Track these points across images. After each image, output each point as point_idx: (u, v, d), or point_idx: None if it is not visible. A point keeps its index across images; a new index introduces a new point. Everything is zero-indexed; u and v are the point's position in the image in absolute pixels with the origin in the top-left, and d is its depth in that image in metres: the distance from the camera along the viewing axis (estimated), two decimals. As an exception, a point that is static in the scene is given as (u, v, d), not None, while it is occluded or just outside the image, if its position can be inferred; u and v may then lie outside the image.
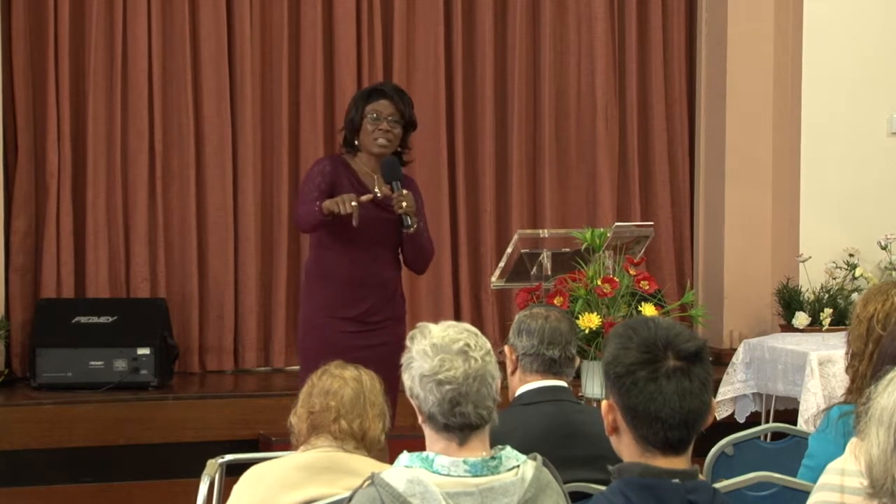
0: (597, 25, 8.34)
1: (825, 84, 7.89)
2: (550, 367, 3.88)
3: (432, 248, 5.66)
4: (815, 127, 7.90)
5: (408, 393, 2.93)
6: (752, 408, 7.10)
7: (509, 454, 2.92)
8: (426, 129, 7.72)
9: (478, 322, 7.89)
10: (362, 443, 3.65)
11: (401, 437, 4.19)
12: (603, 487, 2.88)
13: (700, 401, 2.49)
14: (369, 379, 3.74)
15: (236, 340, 7.84)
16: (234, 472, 4.00)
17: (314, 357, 4.74)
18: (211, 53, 7.77)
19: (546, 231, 5.98)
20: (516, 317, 4.00)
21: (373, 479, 2.84)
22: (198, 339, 7.76)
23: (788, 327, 7.65)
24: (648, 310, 4.94)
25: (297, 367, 6.33)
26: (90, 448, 6.69)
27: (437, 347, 2.88)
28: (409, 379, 2.91)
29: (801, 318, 7.58)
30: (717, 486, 3.27)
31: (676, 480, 2.48)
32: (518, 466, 2.91)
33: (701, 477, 2.54)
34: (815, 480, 3.19)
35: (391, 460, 2.98)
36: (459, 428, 2.87)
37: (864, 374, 3.57)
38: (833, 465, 3.11)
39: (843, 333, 4.04)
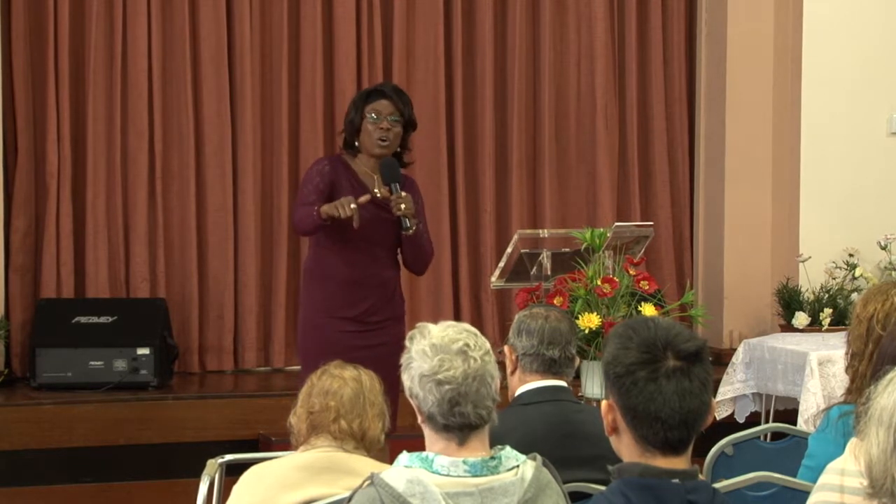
0: (597, 25, 8.34)
1: (825, 84, 7.89)
2: (550, 367, 3.88)
3: (432, 250, 5.66)
4: (815, 127, 7.90)
5: (407, 393, 2.93)
6: (752, 408, 7.09)
7: (509, 454, 2.92)
8: (426, 129, 7.73)
9: (478, 322, 7.89)
10: (362, 443, 3.65)
11: (401, 438, 4.19)
12: (603, 487, 2.88)
13: (700, 401, 2.49)
14: (369, 379, 3.74)
15: (236, 340, 7.84)
16: (234, 472, 4.00)
17: (314, 357, 4.73)
18: (211, 53, 7.77)
19: (546, 231, 5.98)
20: (516, 317, 4.00)
21: (372, 480, 2.84)
22: (197, 339, 7.76)
23: (788, 327, 7.65)
24: (648, 310, 4.94)
25: (296, 367, 6.34)
26: (90, 448, 6.70)
27: (436, 347, 2.88)
28: (408, 379, 2.91)
29: (800, 318, 7.58)
30: (716, 486, 3.27)
31: (676, 480, 2.48)
32: (518, 466, 2.91)
33: (701, 477, 2.53)
34: (814, 480, 3.19)
35: (391, 460, 2.98)
36: (459, 428, 2.87)
37: (863, 374, 3.57)
38: (833, 465, 3.10)
39: (842, 333, 4.04)
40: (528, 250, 5.44)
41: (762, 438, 4.66)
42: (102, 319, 7.23)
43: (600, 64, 8.34)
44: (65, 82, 7.52)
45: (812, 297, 7.69)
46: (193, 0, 7.75)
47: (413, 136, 5.60)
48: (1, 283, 7.37)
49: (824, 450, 3.50)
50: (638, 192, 8.45)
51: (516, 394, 3.90)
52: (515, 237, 5.48)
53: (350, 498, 2.89)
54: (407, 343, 2.94)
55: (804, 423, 6.22)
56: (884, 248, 7.75)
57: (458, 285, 8.17)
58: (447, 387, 2.86)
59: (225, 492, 4.14)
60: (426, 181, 7.58)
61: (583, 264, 5.12)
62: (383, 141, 5.40)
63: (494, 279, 5.53)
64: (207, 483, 4.36)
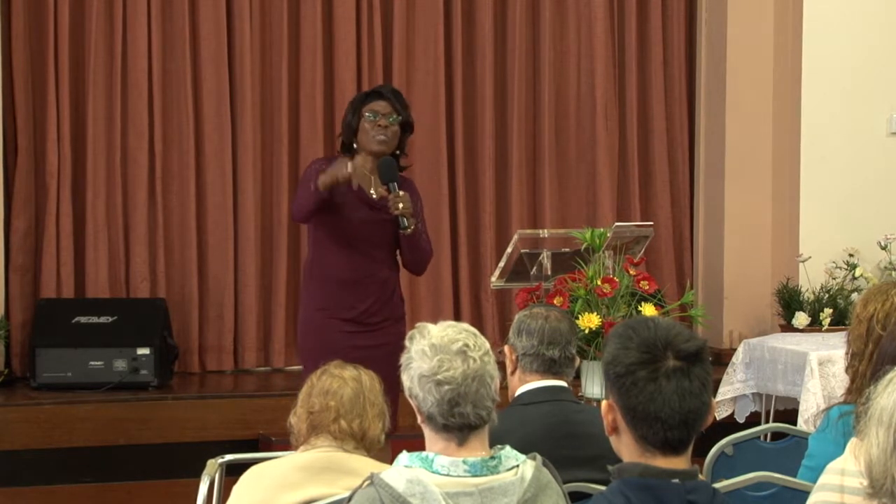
0: (597, 25, 8.34)
1: (825, 84, 7.89)
2: (550, 367, 3.88)
3: (431, 250, 5.65)
4: (815, 127, 7.90)
5: (407, 393, 2.93)
6: (752, 408, 7.09)
7: (509, 454, 2.92)
8: (426, 129, 7.73)
9: (477, 322, 7.89)
10: (362, 443, 3.65)
11: (401, 438, 4.19)
12: (603, 487, 2.88)
13: (700, 401, 2.49)
14: (369, 379, 3.74)
15: (236, 340, 7.84)
16: (233, 472, 4.00)
17: (314, 357, 4.74)
18: (211, 53, 7.77)
19: (546, 231, 5.98)
20: (516, 317, 4.00)
21: (372, 480, 2.84)
22: (197, 339, 7.76)
23: (788, 327, 7.65)
24: (648, 310, 4.94)
25: (297, 367, 6.34)
26: (90, 448, 6.70)
27: (435, 348, 2.88)
28: (408, 379, 2.91)
29: (800, 318, 7.58)
30: (716, 486, 3.27)
31: (676, 480, 2.48)
32: (517, 466, 2.91)
33: (701, 477, 2.54)
34: (814, 480, 3.19)
35: (392, 460, 2.98)
36: (458, 428, 2.87)
37: (863, 374, 3.57)
38: (833, 465, 3.10)
39: (842, 333, 4.03)
40: (528, 250, 5.44)
41: (762, 438, 4.66)
42: (102, 319, 7.22)
43: (600, 64, 8.34)
44: (65, 82, 7.52)
45: (812, 297, 7.69)
46: (193, 0, 7.75)
47: (413, 136, 5.60)
48: (1, 283, 7.37)
49: (824, 450, 3.49)
50: (638, 192, 8.45)
51: (516, 394, 3.90)
52: (515, 237, 5.48)
53: (350, 498, 2.89)
54: (407, 343, 2.94)
55: (804, 423, 6.22)
56: (884, 248, 7.75)
57: (458, 285, 8.17)
58: (447, 387, 2.86)
59: (225, 492, 4.14)
60: (426, 181, 7.58)
61: (583, 264, 5.12)
62: (382, 137, 5.39)
63: (494, 279, 5.53)
64: (207, 483, 4.36)
